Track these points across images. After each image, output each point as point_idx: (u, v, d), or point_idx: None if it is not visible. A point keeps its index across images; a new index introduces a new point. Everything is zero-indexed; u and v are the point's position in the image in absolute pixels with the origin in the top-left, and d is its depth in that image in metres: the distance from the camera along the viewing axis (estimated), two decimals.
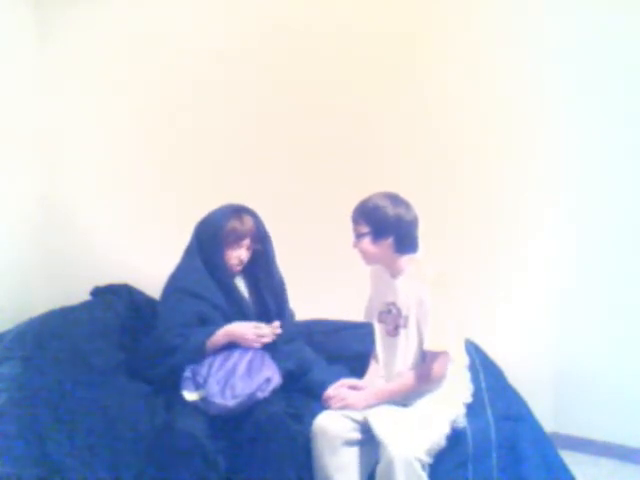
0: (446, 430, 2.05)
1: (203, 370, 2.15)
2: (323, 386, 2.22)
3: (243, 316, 2.34)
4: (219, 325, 2.28)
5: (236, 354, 2.21)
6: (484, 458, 2.06)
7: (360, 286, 2.37)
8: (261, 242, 2.42)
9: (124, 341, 2.55)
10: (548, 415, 2.76)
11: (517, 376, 2.48)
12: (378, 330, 2.29)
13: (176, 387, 2.16)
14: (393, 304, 2.21)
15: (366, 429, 2.06)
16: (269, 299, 2.45)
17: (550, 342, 2.89)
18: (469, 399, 2.21)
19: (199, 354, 2.21)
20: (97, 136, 3.19)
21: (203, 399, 2.10)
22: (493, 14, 2.80)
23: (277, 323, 2.29)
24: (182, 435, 1.99)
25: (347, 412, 2.10)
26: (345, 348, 2.60)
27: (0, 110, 2.94)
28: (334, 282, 2.94)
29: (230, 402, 2.06)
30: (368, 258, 2.21)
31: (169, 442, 2.00)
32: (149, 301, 2.77)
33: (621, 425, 2.80)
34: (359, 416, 2.09)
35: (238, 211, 2.39)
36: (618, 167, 2.74)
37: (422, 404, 2.12)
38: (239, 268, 2.40)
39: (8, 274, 2.99)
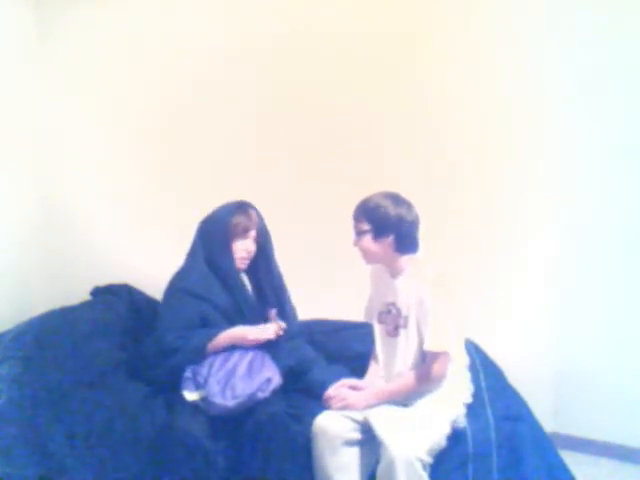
0: (446, 430, 2.05)
1: (203, 370, 2.16)
2: (323, 386, 2.22)
3: (247, 315, 2.34)
4: (220, 326, 2.28)
5: (236, 354, 2.21)
6: (484, 458, 2.05)
7: (360, 286, 2.37)
8: (262, 238, 2.43)
9: (124, 341, 2.55)
10: (548, 415, 2.77)
11: (517, 376, 2.48)
12: (378, 330, 2.29)
13: (176, 387, 2.17)
14: (393, 304, 2.21)
15: (366, 429, 2.05)
16: (270, 296, 2.46)
17: (550, 342, 2.89)
18: (469, 399, 2.21)
19: (200, 356, 2.22)
20: (97, 136, 3.19)
21: (203, 399, 2.11)
22: (493, 14, 2.80)
23: (283, 324, 2.31)
24: (182, 435, 1.99)
25: (347, 412, 2.10)
26: (345, 348, 2.61)
27: (0, 110, 2.94)
28: (334, 282, 2.94)
29: (230, 402, 2.07)
30: (368, 256, 2.21)
31: (169, 442, 2.01)
32: (149, 301, 2.77)
33: (621, 425, 2.81)
34: (359, 416, 2.09)
35: (242, 206, 2.40)
36: (618, 167, 2.74)
37: (422, 404, 2.12)
38: (246, 262, 2.40)
39: (8, 274, 2.98)
